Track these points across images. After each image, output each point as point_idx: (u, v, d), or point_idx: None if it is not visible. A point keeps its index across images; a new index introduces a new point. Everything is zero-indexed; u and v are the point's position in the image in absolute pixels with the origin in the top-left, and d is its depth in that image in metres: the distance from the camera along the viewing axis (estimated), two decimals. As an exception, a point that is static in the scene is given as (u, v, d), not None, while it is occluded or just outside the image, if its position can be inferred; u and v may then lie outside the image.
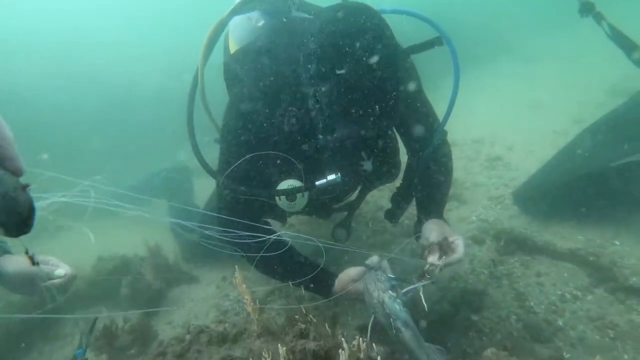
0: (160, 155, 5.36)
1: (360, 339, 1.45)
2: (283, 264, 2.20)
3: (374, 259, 2.05)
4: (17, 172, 0.62)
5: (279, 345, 1.36)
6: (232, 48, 2.41)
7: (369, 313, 1.81)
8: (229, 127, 2.12)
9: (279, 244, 2.07)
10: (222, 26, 2.35)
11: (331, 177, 1.91)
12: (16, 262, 1.59)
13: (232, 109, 2.13)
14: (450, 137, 2.49)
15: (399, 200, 2.52)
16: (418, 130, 2.28)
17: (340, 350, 1.35)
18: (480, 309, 2.56)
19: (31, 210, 0.60)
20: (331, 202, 2.44)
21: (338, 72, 1.65)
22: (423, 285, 1.80)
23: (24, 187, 0.61)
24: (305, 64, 1.82)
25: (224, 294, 3.03)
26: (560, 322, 2.36)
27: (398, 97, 1.77)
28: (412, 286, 1.82)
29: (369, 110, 1.72)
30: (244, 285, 1.78)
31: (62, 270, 1.63)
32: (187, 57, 3.26)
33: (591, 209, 2.89)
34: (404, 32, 2.03)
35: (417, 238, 2.17)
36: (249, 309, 1.77)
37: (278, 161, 2.01)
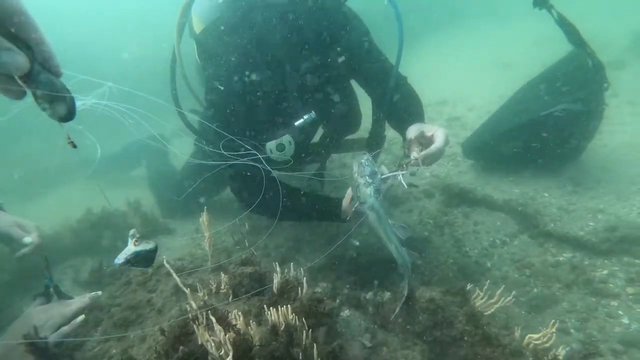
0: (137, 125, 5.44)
1: (295, 270, 1.76)
2: (289, 204, 2.30)
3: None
4: (57, 73, 0.83)
5: (222, 273, 1.66)
6: (197, 26, 2.64)
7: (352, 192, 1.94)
8: (214, 92, 2.34)
9: (274, 185, 2.26)
10: (189, 5, 2.62)
11: (306, 116, 2.35)
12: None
13: (214, 79, 2.35)
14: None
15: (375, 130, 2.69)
16: (375, 73, 2.53)
17: (274, 274, 1.66)
18: (423, 254, 2.91)
19: (74, 103, 0.85)
20: (312, 146, 2.66)
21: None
22: (402, 174, 1.84)
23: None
24: (267, 25, 2.18)
25: (196, 243, 3.33)
26: (488, 264, 2.73)
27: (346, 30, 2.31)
28: (390, 173, 1.86)
29: (324, 44, 2.26)
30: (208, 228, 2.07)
31: (29, 238, 1.87)
32: (164, 27, 3.35)
33: (527, 162, 3.20)
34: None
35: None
36: (207, 246, 2.07)
37: (260, 116, 2.33)
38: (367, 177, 1.76)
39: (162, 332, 1.36)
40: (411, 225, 3.10)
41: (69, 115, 0.84)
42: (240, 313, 1.38)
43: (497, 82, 5.42)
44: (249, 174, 2.29)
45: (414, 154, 1.94)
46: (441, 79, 5.70)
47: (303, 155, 2.64)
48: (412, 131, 2.06)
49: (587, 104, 2.88)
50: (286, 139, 2.35)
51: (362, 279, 2.46)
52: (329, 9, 2.37)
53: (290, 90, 2.38)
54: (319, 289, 2.19)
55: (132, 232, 1.35)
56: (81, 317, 1.73)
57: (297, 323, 1.39)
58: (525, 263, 2.65)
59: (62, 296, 1.84)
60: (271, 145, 2.36)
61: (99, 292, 1.87)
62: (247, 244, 2.13)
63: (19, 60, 0.75)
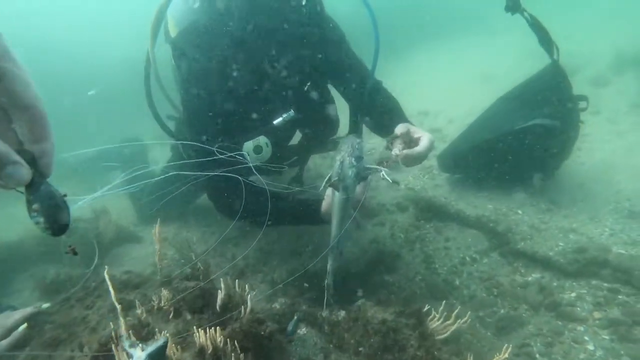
0: (117, 127, 5.38)
1: (241, 285, 1.67)
2: (269, 209, 2.20)
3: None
4: (47, 173, 0.73)
5: (163, 288, 1.56)
6: (173, 30, 2.59)
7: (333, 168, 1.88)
8: (190, 94, 2.30)
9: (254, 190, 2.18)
10: (164, 9, 2.56)
11: (285, 114, 2.28)
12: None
13: (189, 81, 2.31)
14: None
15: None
16: (352, 74, 2.53)
17: (219, 290, 1.57)
18: (393, 269, 2.83)
19: (69, 216, 0.76)
20: (289, 148, 2.59)
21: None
22: (384, 171, 1.81)
23: (64, 196, 0.76)
24: (244, 24, 2.16)
25: (162, 252, 3.22)
26: (457, 282, 2.65)
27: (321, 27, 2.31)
28: (373, 166, 1.85)
29: (302, 42, 2.24)
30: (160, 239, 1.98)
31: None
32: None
33: (502, 177, 3.15)
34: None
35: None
36: (157, 259, 1.98)
37: (238, 118, 2.28)
38: (353, 159, 1.76)
39: (81, 348, 1.26)
40: (382, 240, 3.02)
41: (64, 229, 0.75)
42: (168, 334, 1.29)
43: (478, 95, 5.38)
44: (224, 182, 2.14)
45: (396, 150, 1.92)
46: (424, 90, 5.67)
47: (280, 157, 2.54)
48: (400, 128, 2.03)
49: (561, 119, 2.84)
50: (263, 140, 2.29)
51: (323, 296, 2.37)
52: (307, 10, 2.34)
53: (268, 89, 2.34)
54: (276, 305, 2.10)
55: (127, 343, 1.22)
56: (23, 327, 1.64)
57: (229, 346, 1.30)
58: (493, 282, 2.58)
59: (6, 308, 1.76)
60: (248, 147, 2.29)
61: (46, 304, 1.78)
62: (193, 257, 2.02)
63: (23, 174, 0.68)
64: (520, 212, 2.99)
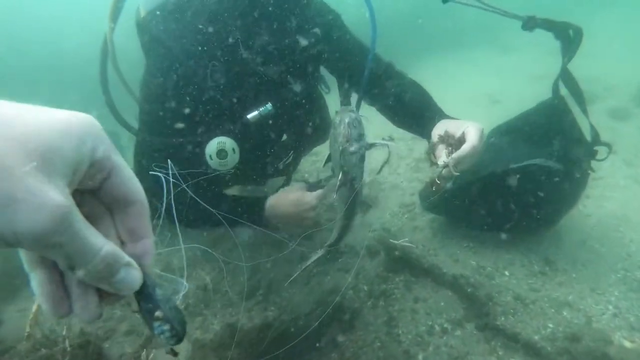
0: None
1: None
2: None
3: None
4: (150, 272, 0.62)
5: None
6: (142, 12, 2.20)
7: (330, 149, 1.68)
8: (152, 85, 1.96)
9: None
10: None
11: (262, 108, 1.90)
12: None
13: (154, 69, 1.96)
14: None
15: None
16: (351, 49, 2.27)
17: None
18: (349, 328, 2.39)
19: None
20: (265, 156, 2.22)
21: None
22: (390, 144, 1.65)
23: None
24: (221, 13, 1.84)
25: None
26: (420, 357, 2.19)
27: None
28: (378, 141, 1.64)
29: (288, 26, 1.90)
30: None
31: None
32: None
33: (492, 225, 2.66)
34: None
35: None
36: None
37: (205, 116, 1.93)
38: (354, 142, 1.53)
39: None
40: (342, 291, 2.56)
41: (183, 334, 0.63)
42: None
43: (483, 119, 4.88)
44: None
45: (443, 158, 1.66)
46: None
47: (254, 166, 2.18)
48: (437, 131, 1.82)
49: (567, 163, 2.36)
50: (229, 144, 1.91)
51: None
52: None
53: (243, 79, 1.95)
54: None
55: None
56: None
57: None
58: (464, 364, 2.10)
59: None
60: (211, 149, 1.90)
61: None
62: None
63: (136, 278, 0.58)
64: (507, 273, 2.50)
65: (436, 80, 5.98)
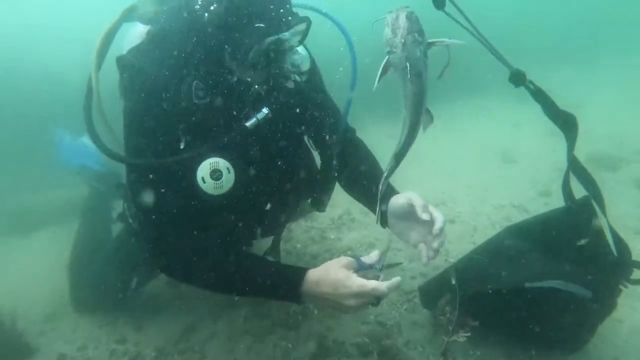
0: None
1: None
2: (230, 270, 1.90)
3: None
4: None
5: None
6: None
7: (385, 51, 1.55)
8: (136, 112, 1.92)
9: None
10: (113, 33, 2.21)
11: (259, 113, 1.82)
12: None
13: (135, 94, 1.90)
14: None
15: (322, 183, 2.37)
16: (326, 112, 2.29)
17: None
18: None
19: None
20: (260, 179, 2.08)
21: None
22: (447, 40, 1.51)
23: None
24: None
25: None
26: None
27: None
28: (437, 39, 1.51)
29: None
30: None
31: None
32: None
33: (503, 335, 2.25)
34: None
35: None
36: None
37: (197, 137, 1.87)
38: (416, 35, 1.44)
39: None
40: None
41: None
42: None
43: (496, 184, 4.49)
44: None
45: (429, 252, 1.90)
46: (431, 167, 4.82)
47: (247, 189, 2.01)
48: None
49: (590, 284, 1.97)
50: (223, 164, 1.82)
51: None
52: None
53: (234, 90, 1.88)
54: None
55: None
56: None
57: None
58: None
59: None
60: (203, 170, 1.80)
61: None
62: None
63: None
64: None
65: (444, 133, 5.63)
